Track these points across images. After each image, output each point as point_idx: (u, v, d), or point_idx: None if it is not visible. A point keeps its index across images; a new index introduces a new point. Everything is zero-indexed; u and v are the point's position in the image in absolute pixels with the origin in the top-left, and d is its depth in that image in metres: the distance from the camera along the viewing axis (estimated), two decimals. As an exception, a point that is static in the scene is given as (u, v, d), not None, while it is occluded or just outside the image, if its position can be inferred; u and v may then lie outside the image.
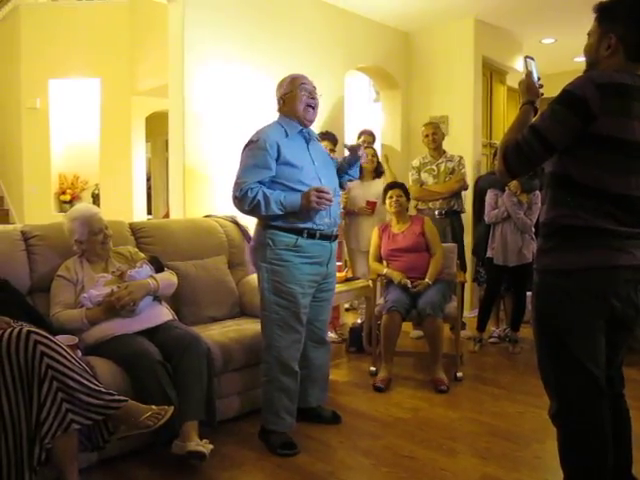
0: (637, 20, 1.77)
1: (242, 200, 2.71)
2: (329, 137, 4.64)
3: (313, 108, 2.91)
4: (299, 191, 2.72)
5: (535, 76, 1.97)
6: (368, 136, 5.33)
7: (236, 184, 2.74)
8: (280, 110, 2.94)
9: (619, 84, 1.74)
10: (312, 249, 2.79)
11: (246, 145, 2.81)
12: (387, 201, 4.15)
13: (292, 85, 2.89)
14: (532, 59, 2.01)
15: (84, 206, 3.13)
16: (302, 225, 2.75)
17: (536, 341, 1.98)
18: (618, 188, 1.77)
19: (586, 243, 1.80)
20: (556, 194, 1.88)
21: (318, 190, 2.69)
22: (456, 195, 4.82)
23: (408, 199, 4.23)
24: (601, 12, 1.85)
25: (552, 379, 1.93)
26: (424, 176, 4.87)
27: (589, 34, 1.91)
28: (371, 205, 4.71)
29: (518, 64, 6.20)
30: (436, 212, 4.78)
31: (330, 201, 2.73)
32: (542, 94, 1.97)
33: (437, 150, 4.90)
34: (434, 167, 4.85)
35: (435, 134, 4.87)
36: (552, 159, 1.87)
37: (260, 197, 2.67)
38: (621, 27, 1.79)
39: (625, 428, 2.01)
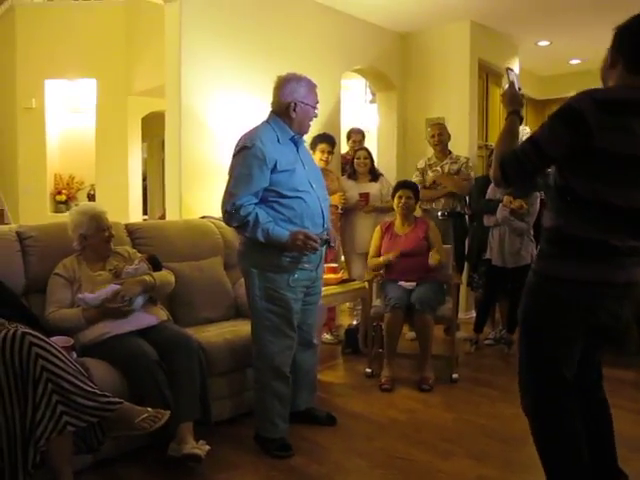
0: (630, 34, 1.83)
1: (232, 216, 2.64)
2: (327, 139, 4.62)
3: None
4: (294, 198, 2.66)
5: (517, 86, 2.08)
6: (357, 134, 5.34)
7: (229, 194, 2.64)
8: (282, 113, 2.75)
9: (618, 99, 1.76)
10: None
11: (239, 150, 2.68)
12: (395, 200, 4.12)
13: (310, 99, 2.77)
14: (512, 70, 2.16)
15: (93, 203, 3.15)
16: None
17: (519, 336, 2.07)
18: (620, 201, 1.79)
19: (586, 256, 1.84)
20: (560, 205, 1.90)
21: (306, 236, 2.62)
22: (459, 197, 4.81)
23: (417, 201, 4.19)
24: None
25: (524, 373, 2.02)
26: (428, 177, 4.86)
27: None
28: (364, 197, 4.69)
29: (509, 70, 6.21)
30: (439, 213, 4.78)
31: (315, 249, 2.67)
32: (524, 104, 2.08)
33: (442, 151, 4.90)
34: (438, 168, 4.86)
35: (441, 134, 4.87)
36: (555, 172, 1.91)
37: (251, 219, 2.59)
38: (621, 44, 1.84)
39: (605, 420, 2.08)
